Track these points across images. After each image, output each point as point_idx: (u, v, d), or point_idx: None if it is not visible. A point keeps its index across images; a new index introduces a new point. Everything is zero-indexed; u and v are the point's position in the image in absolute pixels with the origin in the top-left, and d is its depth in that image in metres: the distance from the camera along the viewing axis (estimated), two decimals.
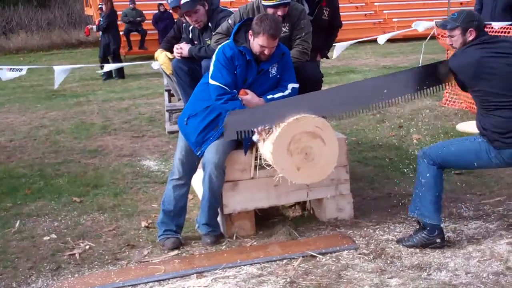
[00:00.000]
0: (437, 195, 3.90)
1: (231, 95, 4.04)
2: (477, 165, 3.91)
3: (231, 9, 5.58)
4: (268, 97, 4.17)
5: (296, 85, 4.28)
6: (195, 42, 5.57)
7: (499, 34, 8.40)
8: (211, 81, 4.08)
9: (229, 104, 4.02)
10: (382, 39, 11.12)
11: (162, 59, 6.16)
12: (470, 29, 3.86)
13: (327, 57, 6.04)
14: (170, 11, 11.89)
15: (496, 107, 3.73)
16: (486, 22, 9.22)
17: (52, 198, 5.42)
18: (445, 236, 3.98)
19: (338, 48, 9.67)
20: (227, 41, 4.22)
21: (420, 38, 16.39)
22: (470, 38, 3.87)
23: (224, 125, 3.94)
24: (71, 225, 4.76)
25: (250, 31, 4.07)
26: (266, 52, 4.06)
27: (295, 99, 4.09)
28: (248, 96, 4.12)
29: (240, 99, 4.07)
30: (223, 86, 4.03)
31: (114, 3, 19.57)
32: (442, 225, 3.96)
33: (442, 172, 3.92)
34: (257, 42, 4.03)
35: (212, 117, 4.13)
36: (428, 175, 3.88)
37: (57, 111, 9.94)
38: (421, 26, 12.18)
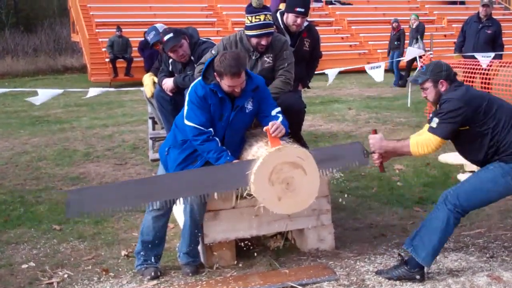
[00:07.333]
0: (443, 241, 3.89)
1: (206, 136, 4.00)
2: (498, 193, 3.87)
3: (212, 40, 5.62)
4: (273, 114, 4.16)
5: (279, 108, 4.22)
6: (176, 75, 5.59)
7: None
8: (186, 122, 4.04)
9: (205, 146, 3.99)
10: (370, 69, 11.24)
11: (146, 81, 6.20)
12: (440, 80, 3.94)
13: (308, 87, 6.08)
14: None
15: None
16: (468, 54, 9.57)
17: (32, 225, 5.36)
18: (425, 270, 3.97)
19: (330, 75, 10.05)
20: (198, 79, 4.15)
21: (404, 69, 16.60)
22: (443, 89, 3.95)
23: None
24: (50, 253, 4.71)
25: (215, 72, 4.00)
26: (236, 89, 4.00)
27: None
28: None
29: (216, 139, 4.03)
30: (198, 126, 4.00)
31: (99, 31, 19.73)
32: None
33: (459, 220, 3.90)
34: (224, 83, 3.97)
35: (190, 151, 4.10)
36: (444, 220, 3.83)
37: (40, 137, 9.88)
38: (411, 54, 12.53)
